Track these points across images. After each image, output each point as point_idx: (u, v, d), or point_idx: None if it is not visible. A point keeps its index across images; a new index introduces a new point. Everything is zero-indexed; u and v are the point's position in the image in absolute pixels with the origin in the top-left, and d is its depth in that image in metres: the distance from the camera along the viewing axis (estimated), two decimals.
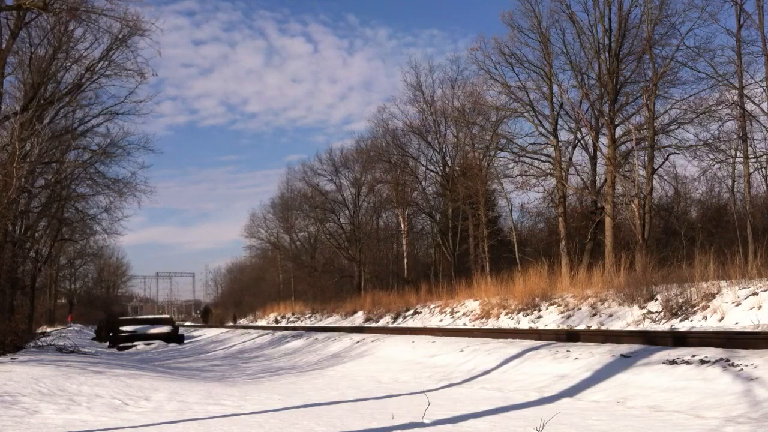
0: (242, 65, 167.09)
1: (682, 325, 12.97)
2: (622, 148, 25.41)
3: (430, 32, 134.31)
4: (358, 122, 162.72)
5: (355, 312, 33.91)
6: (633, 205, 23.27)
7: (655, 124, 24.04)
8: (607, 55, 25.08)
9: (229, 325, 57.29)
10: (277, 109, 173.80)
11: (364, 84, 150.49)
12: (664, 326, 13.34)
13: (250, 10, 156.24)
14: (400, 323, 26.46)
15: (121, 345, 31.08)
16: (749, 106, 22.95)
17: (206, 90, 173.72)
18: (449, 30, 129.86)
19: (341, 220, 47.17)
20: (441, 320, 23.59)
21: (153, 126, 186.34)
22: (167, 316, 51.76)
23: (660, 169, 25.32)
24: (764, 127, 23.02)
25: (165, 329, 33.71)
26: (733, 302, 12.62)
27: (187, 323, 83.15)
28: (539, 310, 18.54)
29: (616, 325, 14.55)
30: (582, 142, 27.85)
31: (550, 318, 17.59)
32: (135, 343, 31.68)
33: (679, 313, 13.62)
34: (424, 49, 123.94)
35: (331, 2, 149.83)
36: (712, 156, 24.25)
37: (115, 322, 35.71)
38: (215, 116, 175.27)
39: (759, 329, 10.89)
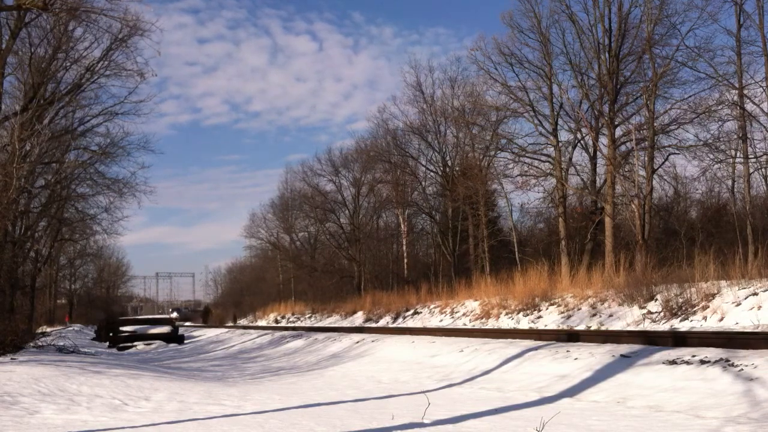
0: (246, 63, 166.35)
1: (682, 325, 12.97)
2: (622, 148, 25.42)
3: (435, 30, 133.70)
4: (362, 121, 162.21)
5: (354, 312, 33.90)
6: (633, 205, 23.27)
7: (655, 124, 24.05)
8: (607, 55, 25.08)
9: (229, 325, 57.29)
10: (280, 107, 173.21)
11: (369, 83, 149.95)
12: (664, 326, 13.34)
13: (255, 8, 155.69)
14: (400, 323, 26.46)
15: (121, 345, 31.08)
16: (749, 106, 22.99)
17: (210, 88, 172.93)
18: (455, 28, 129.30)
19: (341, 220, 47.18)
20: (441, 320, 23.59)
21: (156, 125, 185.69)
22: (167, 316, 51.75)
23: (660, 169, 25.35)
24: (764, 127, 23.05)
25: (165, 329, 33.74)
26: (733, 302, 12.62)
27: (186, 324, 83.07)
28: (539, 310, 18.54)
29: (616, 325, 14.55)
30: (582, 142, 27.90)
31: (550, 318, 17.59)
32: (135, 343, 31.70)
33: (679, 313, 13.61)
34: (429, 48, 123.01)
35: (337, 0, 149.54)
36: (712, 156, 24.29)
37: (115, 322, 35.71)
38: (219, 115, 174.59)
39: (759, 329, 10.89)
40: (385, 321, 28.66)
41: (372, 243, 44.17)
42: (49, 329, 30.05)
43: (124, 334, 32.32)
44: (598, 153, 26.96)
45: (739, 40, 23.04)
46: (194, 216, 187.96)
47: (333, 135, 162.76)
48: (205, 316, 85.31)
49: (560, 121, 27.67)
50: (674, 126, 24.57)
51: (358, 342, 17.81)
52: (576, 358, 9.79)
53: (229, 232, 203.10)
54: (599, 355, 9.61)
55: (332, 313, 37.86)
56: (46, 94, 20.64)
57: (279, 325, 41.43)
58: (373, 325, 27.90)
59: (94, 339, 39.84)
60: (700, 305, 13.35)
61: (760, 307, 11.91)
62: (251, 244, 65.21)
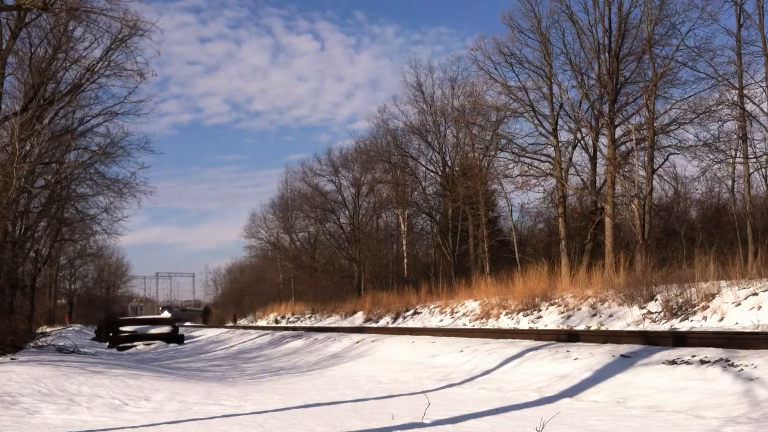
0: (248, 63, 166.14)
1: (682, 326, 12.97)
2: (622, 148, 25.43)
3: (437, 30, 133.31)
4: (363, 121, 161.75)
5: (354, 312, 33.91)
6: (633, 206, 23.27)
7: (655, 124, 24.05)
8: (607, 55, 25.08)
9: (229, 325, 57.29)
10: (282, 107, 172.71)
11: (371, 82, 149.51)
12: (664, 326, 13.34)
13: (257, 7, 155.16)
14: (400, 323, 26.46)
15: (121, 345, 31.10)
16: (749, 106, 22.99)
17: (211, 88, 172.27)
18: (457, 27, 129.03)
19: (341, 220, 47.21)
20: (441, 320, 23.59)
21: (157, 125, 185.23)
22: (168, 316, 51.75)
23: (660, 169, 25.36)
24: (764, 127, 23.05)
25: (165, 329, 33.76)
26: (733, 302, 12.62)
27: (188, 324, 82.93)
28: (539, 311, 18.54)
29: (616, 326, 14.55)
30: (582, 142, 27.90)
31: (550, 318, 17.59)
32: (135, 343, 31.71)
33: (679, 313, 13.62)
34: (432, 47, 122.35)
35: None
36: (712, 156, 24.30)
37: (115, 322, 35.73)
38: (220, 115, 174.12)
39: (759, 329, 10.89)
40: (385, 321, 28.66)
41: (372, 243, 44.18)
42: (49, 329, 30.01)
43: (124, 334, 32.34)
44: (598, 153, 26.99)
45: (739, 40, 23.05)
46: (194, 216, 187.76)
47: (334, 135, 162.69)
48: (205, 316, 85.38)
49: (560, 121, 27.73)
50: (674, 126, 24.61)
51: (358, 342, 17.80)
52: (576, 358, 9.79)
53: (229, 232, 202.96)
54: (599, 355, 9.61)
55: (332, 313, 37.87)
56: (46, 94, 20.64)
57: (279, 325, 41.44)
58: (373, 325, 27.90)
59: (94, 339, 39.83)
60: (700, 305, 13.35)
61: (760, 307, 11.91)
62: (251, 244, 65.33)
